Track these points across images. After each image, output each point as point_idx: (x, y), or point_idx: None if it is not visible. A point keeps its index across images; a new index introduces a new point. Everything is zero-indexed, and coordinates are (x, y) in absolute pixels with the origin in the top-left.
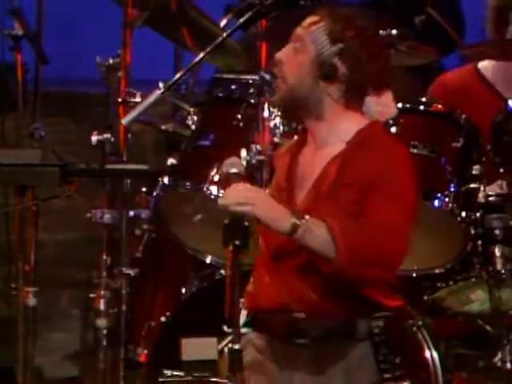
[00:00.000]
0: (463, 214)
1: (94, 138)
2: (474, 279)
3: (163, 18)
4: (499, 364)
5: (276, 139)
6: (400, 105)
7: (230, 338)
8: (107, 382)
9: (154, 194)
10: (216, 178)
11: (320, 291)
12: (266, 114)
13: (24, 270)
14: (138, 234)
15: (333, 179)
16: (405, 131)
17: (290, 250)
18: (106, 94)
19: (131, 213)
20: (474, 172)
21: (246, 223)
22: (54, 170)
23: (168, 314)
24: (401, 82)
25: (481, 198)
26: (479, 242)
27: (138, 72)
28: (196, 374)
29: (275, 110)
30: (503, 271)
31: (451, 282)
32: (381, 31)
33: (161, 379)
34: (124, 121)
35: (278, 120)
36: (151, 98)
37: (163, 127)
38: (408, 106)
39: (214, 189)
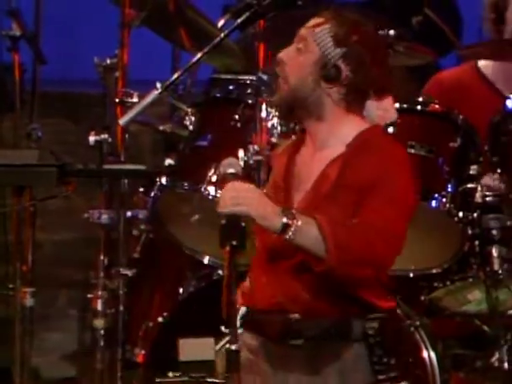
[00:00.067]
0: (460, 214)
1: (92, 139)
2: (471, 279)
3: (161, 19)
4: (496, 364)
5: (273, 139)
6: (397, 105)
7: (227, 338)
8: (104, 383)
9: (152, 194)
10: (214, 179)
11: (315, 291)
12: (263, 114)
13: (21, 271)
14: (136, 234)
15: (333, 181)
16: (402, 131)
17: (286, 251)
18: (104, 94)
19: (129, 213)
20: (471, 172)
21: (243, 224)
22: (51, 170)
23: (165, 314)
24: (399, 82)
25: (478, 198)
26: (476, 242)
27: (136, 72)
28: (193, 375)
29: (273, 111)
30: (500, 271)
31: (448, 282)
32: (378, 32)
33: (158, 380)
34: (121, 121)
35: (275, 120)
36: (149, 99)
37: (161, 128)
38: (405, 106)
39: (211, 189)
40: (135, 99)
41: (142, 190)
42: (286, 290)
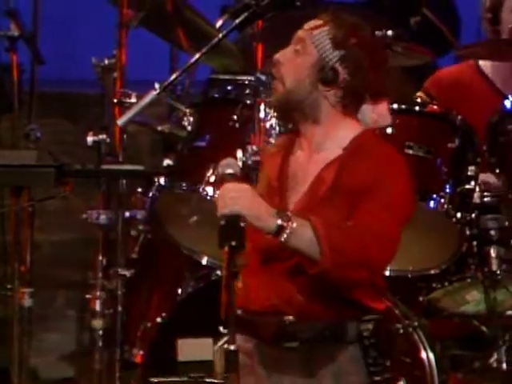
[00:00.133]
0: (458, 214)
1: (90, 139)
2: (469, 280)
3: (159, 19)
4: (495, 365)
5: (272, 140)
6: (396, 105)
7: (225, 338)
8: (103, 383)
9: (150, 194)
10: (212, 179)
11: (309, 294)
12: (261, 114)
13: (20, 271)
14: (134, 234)
15: (329, 184)
16: (400, 132)
17: (281, 253)
18: (102, 94)
19: (127, 213)
20: (469, 173)
21: (242, 224)
22: (49, 170)
23: (164, 314)
24: (396, 83)
25: (476, 198)
26: (474, 243)
27: (134, 73)
28: (192, 375)
29: (271, 111)
30: (498, 272)
31: (446, 283)
32: (376, 32)
33: (156, 380)
34: (120, 121)
35: (273, 121)
36: (147, 99)
37: (159, 128)
38: (403, 106)
39: (209, 190)
40: (133, 99)
41: (140, 190)
42: (281, 293)
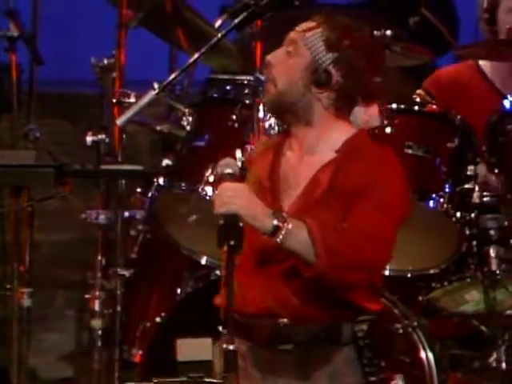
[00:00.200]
0: (458, 214)
1: (89, 139)
2: (468, 280)
3: (158, 19)
4: (494, 364)
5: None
6: (395, 105)
7: (224, 338)
8: (102, 383)
9: (149, 194)
10: (211, 179)
11: (305, 296)
12: (260, 114)
13: (19, 271)
14: (133, 234)
15: (324, 187)
16: (399, 132)
17: (277, 255)
18: (101, 94)
19: (126, 213)
20: (468, 172)
21: (241, 223)
22: (48, 170)
23: (163, 314)
24: (395, 83)
25: (476, 198)
26: (474, 243)
27: (133, 73)
28: (191, 375)
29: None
30: (498, 272)
31: (446, 283)
32: (375, 32)
33: (155, 380)
34: (119, 121)
35: (272, 121)
36: (146, 99)
37: (158, 128)
38: (403, 106)
39: (209, 189)
40: (132, 99)
41: (139, 190)
42: (276, 295)
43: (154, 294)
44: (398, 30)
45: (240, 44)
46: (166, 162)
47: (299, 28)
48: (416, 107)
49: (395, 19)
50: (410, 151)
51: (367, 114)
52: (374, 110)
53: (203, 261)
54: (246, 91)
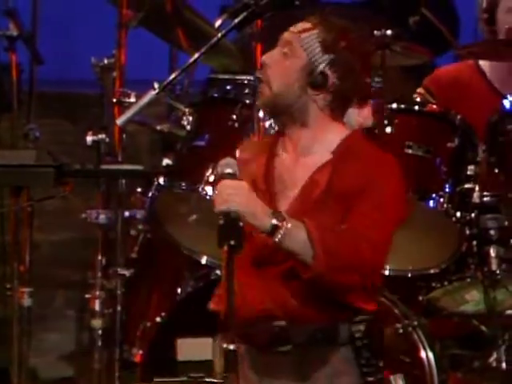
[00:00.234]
0: (458, 214)
1: (89, 139)
2: (469, 279)
3: (158, 19)
4: (494, 364)
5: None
6: (395, 105)
7: (225, 338)
8: (102, 383)
9: (150, 194)
10: (211, 179)
11: (303, 298)
12: (261, 114)
13: (19, 271)
14: (134, 234)
15: (323, 188)
16: (400, 131)
17: (275, 257)
18: (101, 94)
19: (126, 213)
20: (468, 172)
21: (241, 223)
22: (48, 170)
23: (163, 314)
24: (395, 83)
25: (476, 198)
26: (474, 243)
27: (133, 72)
28: (191, 375)
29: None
30: (498, 271)
31: (446, 283)
32: (375, 32)
33: (156, 379)
34: (119, 121)
35: (272, 120)
36: (146, 99)
37: (158, 127)
38: (403, 106)
39: (209, 189)
40: (132, 99)
41: (139, 190)
42: (275, 297)
43: (155, 294)
44: (398, 29)
45: (240, 44)
46: (166, 161)
47: (294, 29)
48: (416, 107)
49: (395, 19)
50: (410, 151)
51: (361, 116)
52: (367, 110)
53: (203, 260)
54: (246, 91)
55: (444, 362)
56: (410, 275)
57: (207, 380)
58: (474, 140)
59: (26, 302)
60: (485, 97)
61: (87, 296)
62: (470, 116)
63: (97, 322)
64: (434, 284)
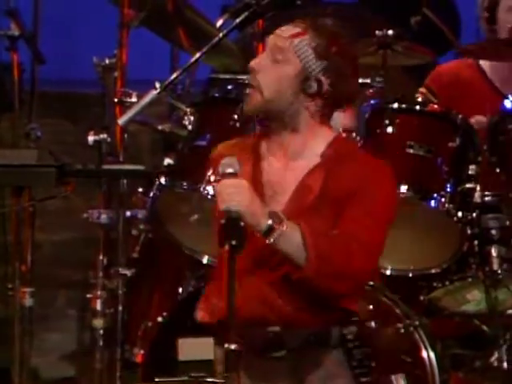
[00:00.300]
0: (459, 214)
1: (91, 139)
2: (470, 279)
3: (159, 19)
4: (496, 364)
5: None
6: (396, 105)
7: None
8: (104, 383)
9: (151, 194)
10: (212, 178)
11: (297, 303)
12: None
13: (20, 271)
14: (135, 234)
15: (316, 192)
16: (401, 131)
17: (270, 261)
18: (103, 94)
19: (128, 213)
20: (470, 172)
21: (242, 223)
22: (50, 170)
23: (165, 314)
24: (397, 82)
25: (477, 198)
26: (475, 242)
27: (135, 72)
28: (192, 374)
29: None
30: (499, 271)
31: (447, 282)
32: (377, 32)
33: (157, 379)
34: (120, 121)
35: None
36: (147, 98)
37: (160, 127)
38: (404, 106)
39: (210, 189)
40: (134, 99)
41: (141, 189)
42: (270, 302)
43: (156, 294)
44: (400, 29)
45: (241, 43)
46: (167, 161)
47: (283, 33)
48: (417, 107)
49: (397, 19)
50: (411, 151)
51: (346, 118)
52: (352, 113)
53: (205, 260)
54: (248, 91)
55: (445, 362)
56: (411, 275)
57: (208, 380)
58: (475, 140)
59: (28, 301)
60: (486, 96)
61: (89, 296)
62: (471, 115)
63: (98, 322)
64: (435, 284)
